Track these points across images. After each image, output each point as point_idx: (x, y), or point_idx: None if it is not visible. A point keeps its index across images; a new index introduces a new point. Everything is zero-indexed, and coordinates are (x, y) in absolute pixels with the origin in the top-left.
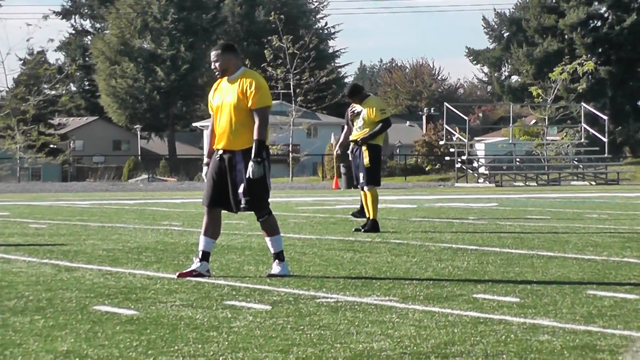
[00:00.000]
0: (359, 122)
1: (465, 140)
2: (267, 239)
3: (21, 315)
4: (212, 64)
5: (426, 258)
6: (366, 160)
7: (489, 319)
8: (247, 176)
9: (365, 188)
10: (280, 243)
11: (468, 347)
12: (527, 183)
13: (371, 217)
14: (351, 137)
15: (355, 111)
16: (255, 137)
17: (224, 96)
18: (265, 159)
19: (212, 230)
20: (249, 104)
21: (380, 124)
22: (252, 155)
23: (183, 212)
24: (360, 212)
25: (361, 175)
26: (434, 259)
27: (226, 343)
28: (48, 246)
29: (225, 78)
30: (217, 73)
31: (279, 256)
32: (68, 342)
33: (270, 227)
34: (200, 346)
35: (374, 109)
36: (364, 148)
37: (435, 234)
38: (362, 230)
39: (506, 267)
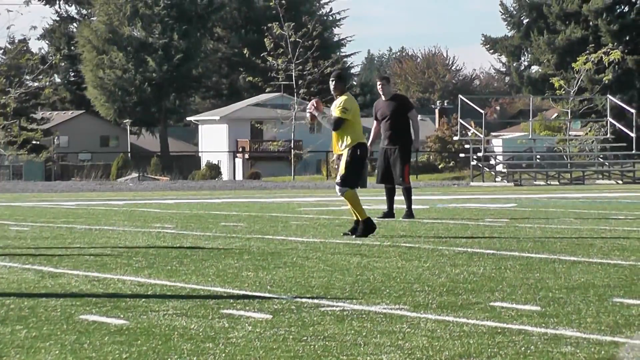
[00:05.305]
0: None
1: (482, 136)
2: None
3: (1, 325)
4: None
5: (439, 263)
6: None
7: (507, 329)
8: None
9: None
10: None
11: None
12: (548, 182)
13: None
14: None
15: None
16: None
17: None
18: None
19: None
20: None
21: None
22: None
23: (176, 214)
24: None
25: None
26: (448, 264)
27: (223, 355)
28: (30, 250)
29: None
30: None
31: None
32: (52, 354)
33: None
34: (195, 358)
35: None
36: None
37: (449, 237)
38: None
39: (526, 273)
